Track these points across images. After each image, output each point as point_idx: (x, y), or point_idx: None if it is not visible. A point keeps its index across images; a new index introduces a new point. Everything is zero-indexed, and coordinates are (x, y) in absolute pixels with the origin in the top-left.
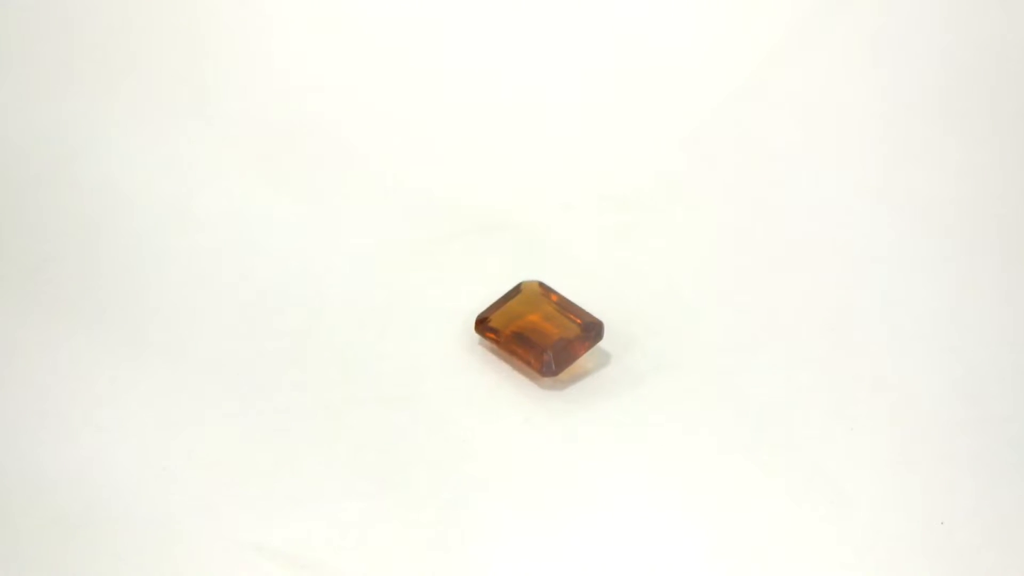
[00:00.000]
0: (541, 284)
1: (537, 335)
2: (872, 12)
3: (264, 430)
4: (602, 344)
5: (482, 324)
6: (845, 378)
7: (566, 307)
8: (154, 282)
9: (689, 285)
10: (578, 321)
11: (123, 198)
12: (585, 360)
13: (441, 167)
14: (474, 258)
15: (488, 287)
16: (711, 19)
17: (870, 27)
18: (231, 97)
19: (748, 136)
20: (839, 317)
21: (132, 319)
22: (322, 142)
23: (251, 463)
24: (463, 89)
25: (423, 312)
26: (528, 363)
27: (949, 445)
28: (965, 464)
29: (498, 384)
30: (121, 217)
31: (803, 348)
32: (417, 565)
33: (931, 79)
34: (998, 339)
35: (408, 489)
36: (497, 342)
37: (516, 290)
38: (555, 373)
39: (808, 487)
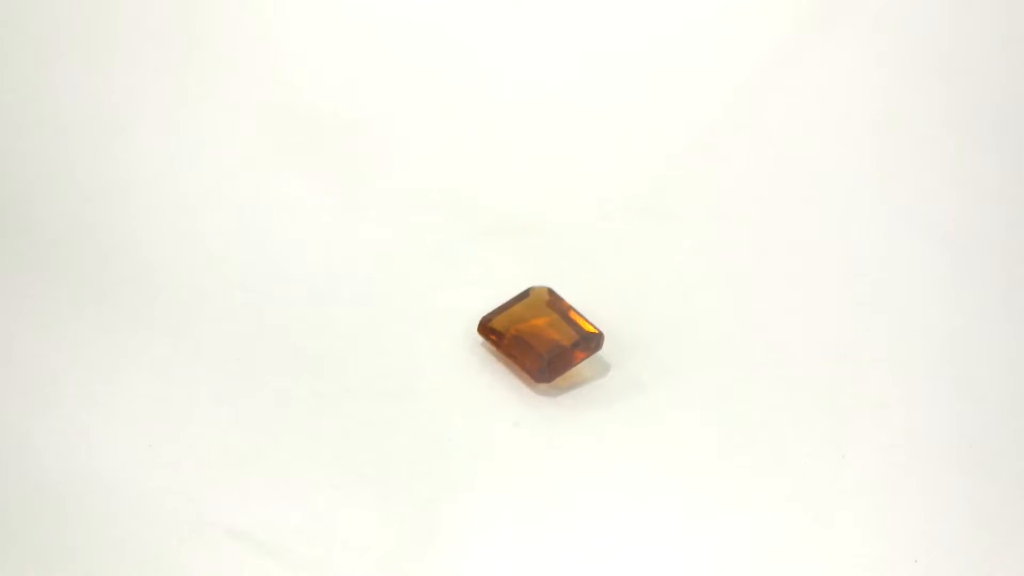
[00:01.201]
0: (550, 291)
1: (536, 341)
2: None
3: (253, 415)
4: (604, 355)
5: (485, 326)
6: (845, 401)
7: (570, 315)
8: (162, 265)
9: (700, 299)
10: (578, 330)
11: (133, 184)
12: (584, 369)
13: (469, 169)
14: (491, 261)
15: (501, 290)
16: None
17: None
18: (252, 87)
19: (757, 145)
20: (845, 337)
21: (136, 299)
22: (350, 138)
23: (234, 446)
24: (494, 92)
25: (431, 310)
26: (524, 367)
27: (938, 483)
28: (950, 503)
29: (493, 386)
30: (129, 202)
31: (805, 369)
32: (383, 559)
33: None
34: (1007, 380)
35: (385, 483)
36: (497, 345)
37: (524, 294)
38: (549, 380)
39: (789, 509)
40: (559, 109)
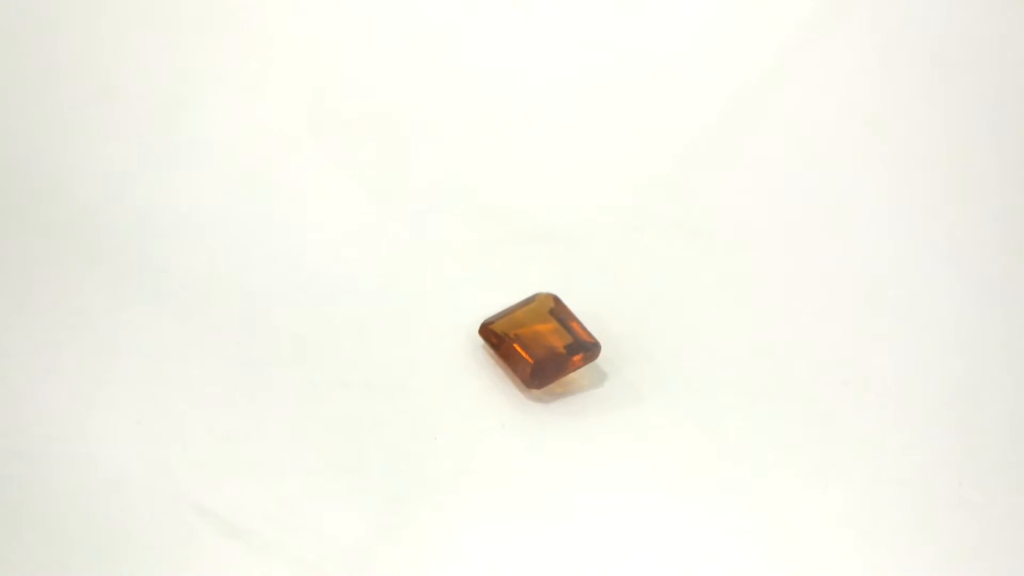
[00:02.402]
0: (555, 298)
1: (532, 346)
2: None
3: (243, 397)
4: (604, 365)
5: (486, 328)
6: (838, 431)
7: (571, 324)
8: (172, 249)
9: (710, 317)
10: (575, 339)
11: (149, 170)
12: (580, 377)
13: (497, 174)
14: (510, 266)
15: (515, 295)
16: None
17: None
18: (270, 79)
19: (775, 161)
20: (851, 367)
21: (147, 282)
22: (377, 135)
23: (220, 426)
24: (525, 98)
25: (440, 310)
26: (516, 372)
27: (917, 526)
28: (922, 552)
29: (486, 389)
30: (143, 188)
31: (805, 396)
32: (347, 550)
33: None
34: (1009, 435)
35: (360, 475)
36: (496, 348)
37: (529, 300)
38: (540, 386)
39: (760, 534)
40: (589, 118)
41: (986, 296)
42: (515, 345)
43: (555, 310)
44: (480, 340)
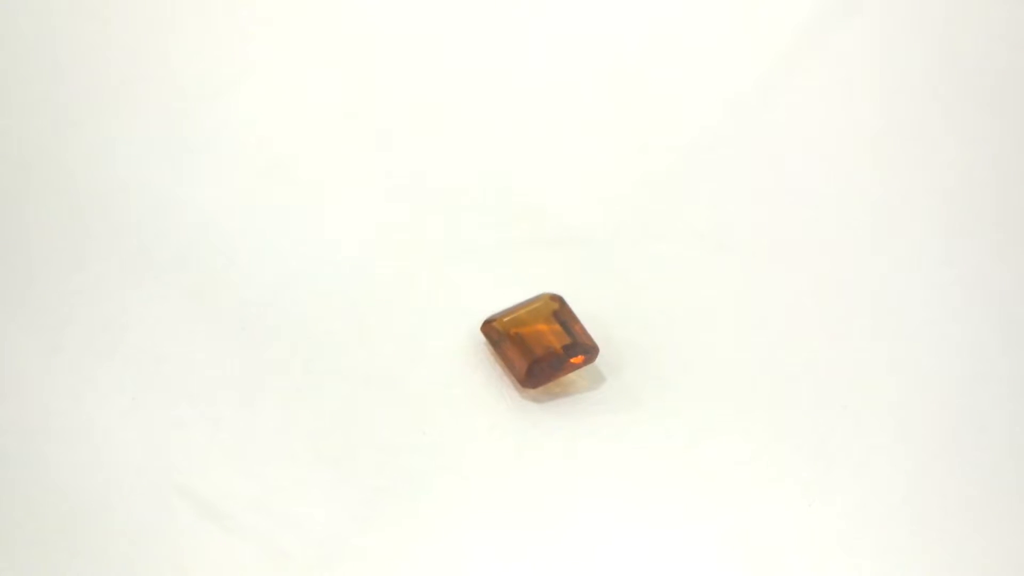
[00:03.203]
0: (560, 299)
1: (530, 345)
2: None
3: (241, 381)
4: (604, 369)
5: (487, 325)
6: (830, 450)
7: (572, 325)
8: (190, 236)
9: (719, 327)
10: (574, 340)
11: (166, 159)
12: (579, 378)
13: (517, 175)
14: (525, 266)
15: (524, 295)
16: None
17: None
18: (293, 77)
19: (779, 166)
20: (851, 389)
21: (161, 264)
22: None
23: (212, 408)
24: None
25: (448, 306)
26: (512, 371)
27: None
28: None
29: (483, 386)
30: (157, 177)
31: (803, 415)
32: (321, 539)
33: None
34: (1009, 470)
35: (344, 465)
36: (495, 346)
37: (533, 299)
38: (534, 385)
39: (737, 549)
40: (609, 122)
41: (991, 327)
42: (513, 343)
43: (558, 311)
44: (482, 337)
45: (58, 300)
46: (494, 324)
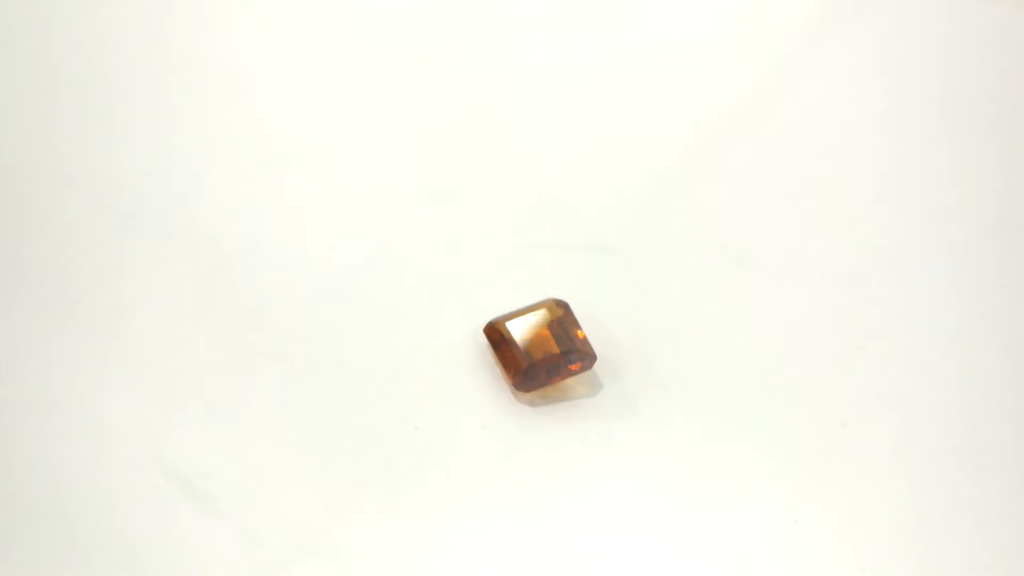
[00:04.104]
0: (565, 305)
1: (529, 349)
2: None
3: (239, 367)
4: (603, 376)
5: (490, 327)
6: (821, 466)
7: (573, 331)
8: (208, 225)
9: (727, 343)
10: (572, 347)
11: (176, 152)
12: (577, 384)
13: (540, 181)
14: (545, 270)
15: (534, 299)
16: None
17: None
18: (304, 77)
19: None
20: (850, 407)
21: (168, 248)
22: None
23: (208, 392)
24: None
25: (458, 307)
26: (507, 373)
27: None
28: None
29: (480, 387)
30: (168, 170)
31: (799, 433)
32: (297, 527)
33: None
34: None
35: (330, 455)
36: (496, 348)
37: (539, 304)
38: (527, 389)
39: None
40: (639, 131)
41: (994, 352)
42: (512, 346)
43: (561, 317)
44: (485, 339)
45: (72, 281)
46: (496, 326)
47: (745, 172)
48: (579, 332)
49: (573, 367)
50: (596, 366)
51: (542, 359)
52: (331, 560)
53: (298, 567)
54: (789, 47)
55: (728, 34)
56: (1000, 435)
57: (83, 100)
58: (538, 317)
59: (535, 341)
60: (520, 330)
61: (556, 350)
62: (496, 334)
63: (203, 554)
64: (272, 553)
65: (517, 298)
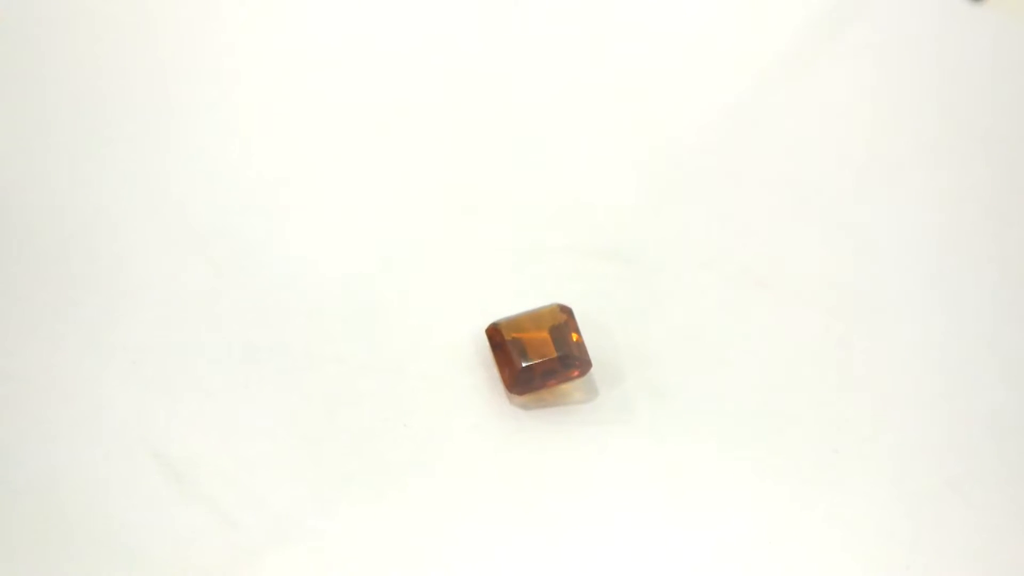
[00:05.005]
0: (567, 310)
1: (526, 352)
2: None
3: (239, 358)
4: (601, 383)
5: (492, 328)
6: (806, 491)
7: (571, 337)
8: (219, 220)
9: (719, 358)
10: (568, 352)
11: (185, 149)
12: (574, 390)
13: (566, 186)
14: (561, 275)
15: (543, 303)
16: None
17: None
18: (311, 76)
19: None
20: (844, 433)
21: (181, 236)
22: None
23: (206, 380)
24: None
25: (462, 308)
26: (502, 376)
27: None
28: None
29: (476, 387)
30: (178, 165)
31: (792, 457)
32: (278, 517)
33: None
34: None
35: (320, 448)
36: (494, 349)
37: (542, 308)
38: (520, 392)
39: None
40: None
41: (991, 382)
42: (510, 348)
43: (562, 322)
44: (486, 340)
45: (83, 265)
46: (498, 327)
47: (776, 191)
48: (577, 337)
49: (569, 373)
50: (595, 373)
51: (538, 363)
52: (306, 550)
53: (272, 555)
54: (814, 57)
55: (745, 41)
56: (994, 467)
57: (87, 95)
58: (540, 321)
59: (533, 344)
60: (520, 332)
61: (554, 354)
62: (497, 335)
63: (179, 536)
64: (247, 540)
65: (529, 302)
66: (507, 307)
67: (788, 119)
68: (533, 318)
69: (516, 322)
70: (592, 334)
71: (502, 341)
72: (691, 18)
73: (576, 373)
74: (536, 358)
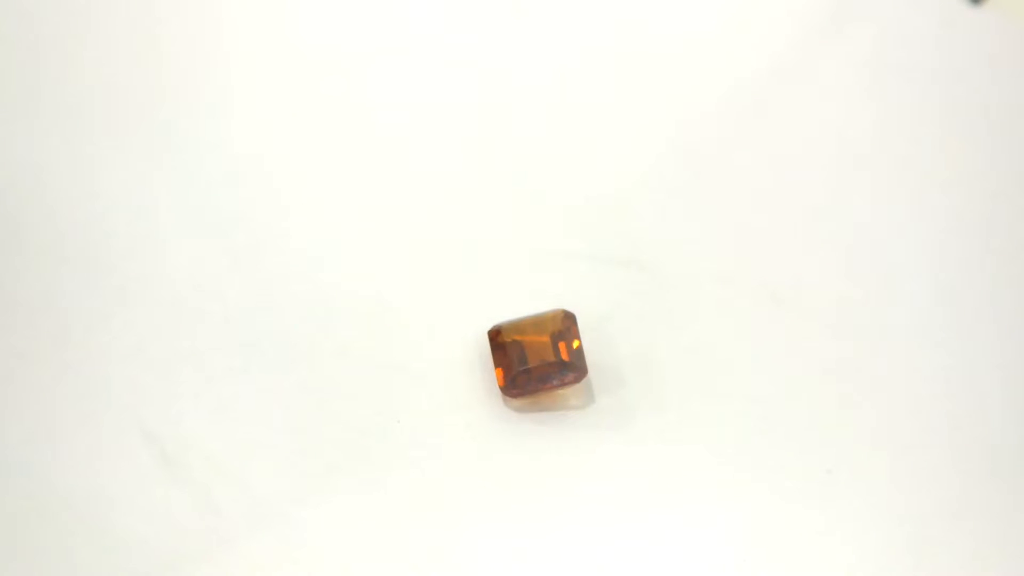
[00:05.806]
0: (572, 316)
1: (524, 355)
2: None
3: (242, 346)
4: (599, 390)
5: (494, 330)
6: (792, 510)
7: (570, 342)
8: (235, 211)
9: (721, 373)
10: (565, 358)
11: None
12: (572, 396)
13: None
14: (563, 280)
15: (554, 306)
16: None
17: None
18: (315, 75)
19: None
20: (840, 453)
21: (194, 229)
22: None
23: (207, 365)
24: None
25: (468, 309)
26: (498, 377)
27: None
28: None
29: (473, 388)
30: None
31: (785, 480)
32: (260, 502)
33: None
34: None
35: (309, 438)
36: (495, 351)
37: (545, 312)
38: (515, 395)
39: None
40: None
41: (988, 401)
42: (508, 350)
43: (564, 328)
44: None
45: (95, 250)
46: (500, 329)
47: (789, 203)
48: (576, 343)
49: (565, 378)
50: (593, 380)
51: (536, 367)
52: (284, 538)
53: (248, 541)
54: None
55: (757, 47)
56: (993, 495)
57: (95, 91)
58: (541, 325)
59: (533, 347)
60: (519, 335)
61: (551, 359)
62: (498, 337)
63: (161, 517)
64: (227, 524)
65: (539, 306)
66: (517, 310)
67: (797, 128)
68: (535, 322)
69: (518, 325)
70: (597, 340)
71: (503, 343)
72: (712, 19)
73: (572, 379)
74: (534, 361)
